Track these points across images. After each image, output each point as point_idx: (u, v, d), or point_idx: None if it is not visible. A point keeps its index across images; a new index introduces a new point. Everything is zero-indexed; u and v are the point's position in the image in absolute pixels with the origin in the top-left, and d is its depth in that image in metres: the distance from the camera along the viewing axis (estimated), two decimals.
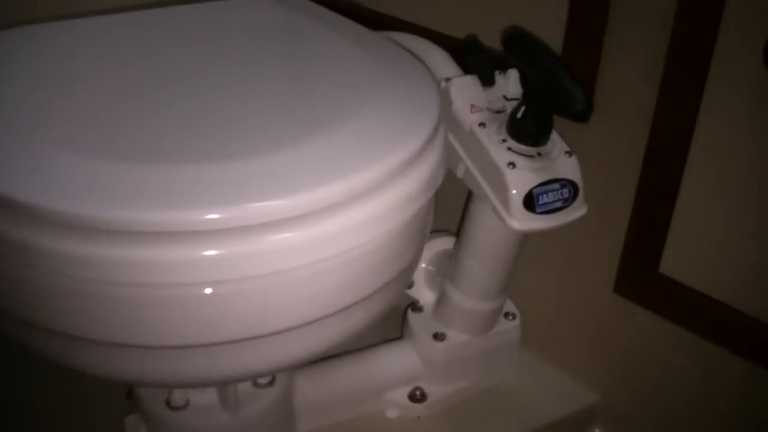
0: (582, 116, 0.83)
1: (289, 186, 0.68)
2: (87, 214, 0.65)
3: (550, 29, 1.01)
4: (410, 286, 1.17)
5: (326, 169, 0.70)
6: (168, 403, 0.94)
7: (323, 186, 0.68)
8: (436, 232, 1.17)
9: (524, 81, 0.99)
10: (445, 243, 1.16)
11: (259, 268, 0.68)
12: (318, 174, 0.69)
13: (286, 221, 0.67)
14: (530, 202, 0.90)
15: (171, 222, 0.65)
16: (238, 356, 0.74)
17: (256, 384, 0.97)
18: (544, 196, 0.91)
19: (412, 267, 0.84)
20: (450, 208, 1.12)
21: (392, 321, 1.20)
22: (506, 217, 0.91)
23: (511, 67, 1.00)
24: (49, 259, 0.67)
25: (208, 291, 0.68)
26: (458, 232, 1.07)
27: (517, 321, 1.16)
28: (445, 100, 0.96)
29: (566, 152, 0.93)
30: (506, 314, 1.16)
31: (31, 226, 0.66)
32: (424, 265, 1.17)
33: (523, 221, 0.91)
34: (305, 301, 0.72)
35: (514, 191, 0.90)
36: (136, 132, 0.76)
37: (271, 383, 0.98)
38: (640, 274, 1.05)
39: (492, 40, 1.01)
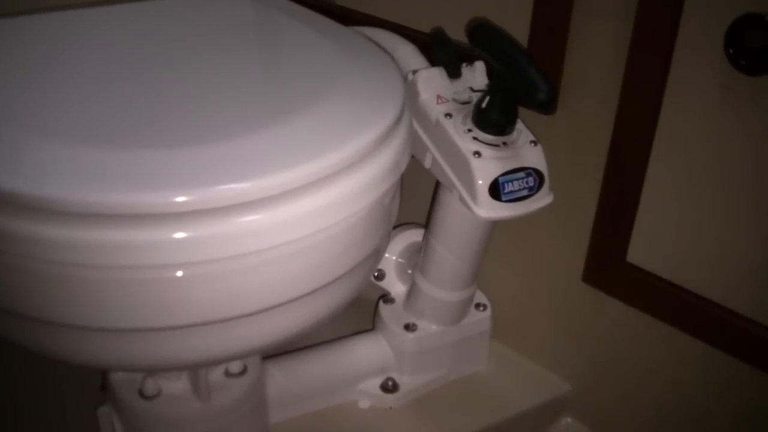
0: (545, 105, 0.84)
1: (256, 169, 0.69)
2: (56, 197, 0.66)
3: (516, 22, 1.02)
4: (381, 278, 1.18)
5: (292, 152, 0.71)
6: (141, 393, 0.95)
7: (289, 169, 0.70)
8: (406, 224, 1.18)
9: (490, 73, 1.00)
10: (415, 235, 1.18)
11: (228, 250, 0.69)
12: (284, 157, 0.71)
13: (253, 203, 0.68)
14: (496, 191, 0.91)
15: (140, 204, 0.66)
16: (208, 339, 0.75)
17: (227, 373, 0.98)
18: (510, 184, 0.92)
19: (378, 252, 0.85)
20: (419, 201, 1.13)
21: (364, 313, 1.21)
22: (472, 206, 0.92)
23: (478, 59, 1.01)
24: (18, 244, 0.68)
25: (179, 273, 0.69)
26: (427, 223, 1.09)
27: (488, 312, 1.17)
28: (412, 91, 0.98)
29: (531, 141, 0.94)
30: (477, 305, 1.17)
31: None
32: (394, 258, 1.19)
33: (489, 209, 0.92)
34: (273, 283, 0.73)
35: (480, 180, 0.91)
36: (106, 117, 0.77)
37: (242, 373, 0.98)
38: (607, 263, 1.07)
39: (460, 33, 1.03)
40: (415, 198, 1.12)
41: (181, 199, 0.66)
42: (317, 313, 0.81)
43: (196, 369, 0.92)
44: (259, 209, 0.69)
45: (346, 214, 0.74)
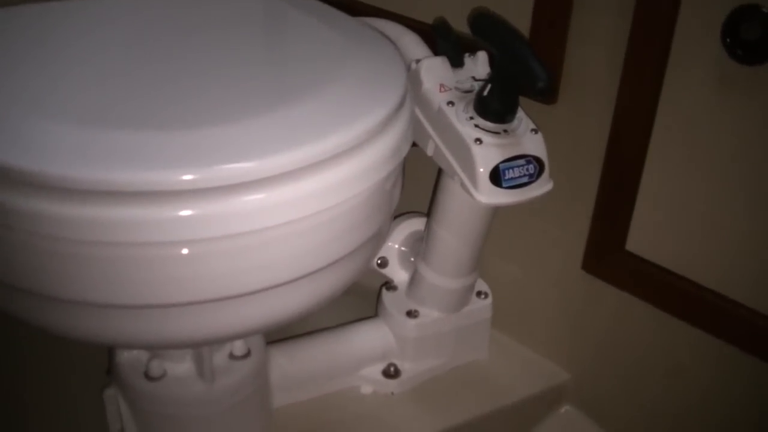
0: (544, 93, 0.86)
1: (259, 149, 0.71)
2: (63, 174, 0.68)
3: (518, 16, 1.04)
4: (384, 265, 1.19)
5: (296, 134, 0.73)
6: (146, 375, 0.97)
7: (292, 150, 0.72)
8: (409, 213, 1.20)
9: (492, 62, 1.02)
10: (418, 224, 1.19)
11: (232, 228, 0.71)
12: (288, 139, 0.73)
13: (256, 183, 0.70)
14: (496, 177, 0.93)
15: (146, 182, 0.68)
16: (212, 317, 0.77)
17: (231, 356, 0.99)
18: (510, 171, 0.93)
19: (379, 236, 0.87)
20: (422, 190, 1.15)
21: (367, 300, 1.23)
22: (473, 192, 0.93)
23: (481, 49, 1.03)
24: (25, 220, 0.70)
25: (184, 251, 0.71)
26: (429, 212, 1.10)
27: (489, 300, 1.19)
28: (415, 80, 0.99)
29: (532, 130, 0.96)
30: (478, 293, 1.19)
31: (6, 187, 0.69)
32: (397, 246, 1.20)
33: (489, 195, 0.93)
34: (275, 262, 0.75)
35: (481, 167, 0.92)
36: (114, 99, 0.80)
37: (246, 356, 1.00)
38: (606, 252, 1.08)
39: (463, 24, 1.04)
40: (418, 188, 1.13)
41: (186, 177, 0.68)
42: (318, 294, 0.82)
43: (199, 349, 0.93)
44: (262, 189, 0.71)
45: (348, 196, 0.76)
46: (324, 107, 0.78)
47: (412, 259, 1.18)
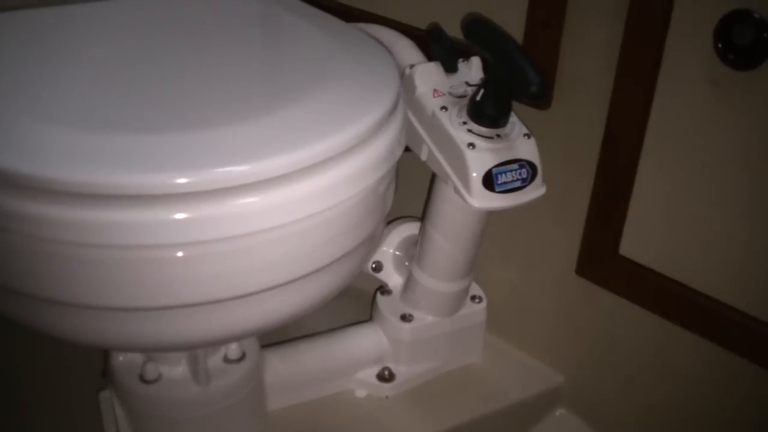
0: (537, 97, 0.87)
1: (254, 152, 0.71)
2: (57, 177, 0.68)
3: (512, 19, 1.04)
4: (379, 269, 1.20)
5: (289, 137, 0.74)
6: (141, 377, 0.97)
7: (286, 153, 0.72)
8: (403, 217, 1.20)
9: (486, 68, 1.02)
10: (412, 228, 1.19)
11: (226, 231, 0.71)
12: (281, 142, 0.73)
13: (250, 186, 0.70)
14: (489, 181, 0.93)
15: (141, 185, 0.68)
16: (207, 319, 0.77)
17: (226, 359, 1.00)
18: (503, 175, 0.94)
19: (373, 239, 0.87)
20: (416, 195, 1.15)
21: (362, 304, 1.24)
22: (466, 196, 0.94)
23: (475, 55, 1.04)
24: (19, 222, 0.70)
25: (179, 254, 0.71)
26: (423, 216, 1.11)
27: (484, 304, 1.19)
28: (409, 85, 1.00)
29: (525, 134, 0.96)
30: (473, 297, 1.19)
31: (1, 190, 0.69)
32: (392, 250, 1.21)
33: (482, 200, 0.94)
34: (270, 265, 0.76)
35: (474, 171, 0.93)
36: (109, 103, 0.80)
37: (241, 359, 1.00)
38: (600, 256, 1.08)
39: (458, 30, 1.05)
40: (412, 192, 1.14)
41: (181, 180, 0.68)
42: (313, 297, 0.82)
43: (194, 351, 0.93)
44: (256, 192, 0.71)
45: (341, 199, 0.76)
46: (317, 110, 0.78)
47: (407, 263, 1.19)
